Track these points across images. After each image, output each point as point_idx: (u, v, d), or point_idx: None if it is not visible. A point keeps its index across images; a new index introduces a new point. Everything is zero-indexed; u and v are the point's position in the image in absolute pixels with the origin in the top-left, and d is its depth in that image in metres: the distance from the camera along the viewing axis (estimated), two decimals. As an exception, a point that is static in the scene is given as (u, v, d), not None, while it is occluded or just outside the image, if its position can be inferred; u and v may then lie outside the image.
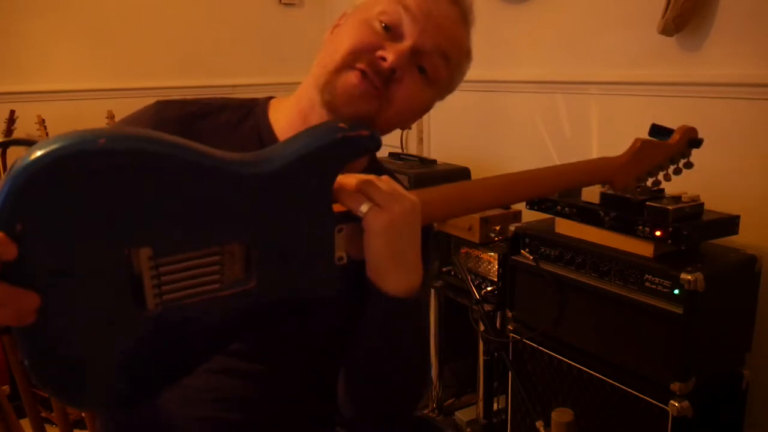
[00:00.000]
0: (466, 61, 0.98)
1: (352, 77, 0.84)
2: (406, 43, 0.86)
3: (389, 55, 0.83)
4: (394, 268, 0.79)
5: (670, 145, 1.17)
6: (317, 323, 0.91)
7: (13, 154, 2.83)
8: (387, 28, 0.86)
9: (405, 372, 0.92)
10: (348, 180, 0.77)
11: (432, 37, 0.87)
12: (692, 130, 1.18)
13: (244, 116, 0.97)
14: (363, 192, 0.76)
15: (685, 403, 1.42)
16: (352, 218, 0.76)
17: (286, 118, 0.94)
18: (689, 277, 1.38)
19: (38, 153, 0.57)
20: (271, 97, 1.01)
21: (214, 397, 0.90)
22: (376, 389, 0.91)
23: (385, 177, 0.79)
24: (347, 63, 0.85)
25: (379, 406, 0.93)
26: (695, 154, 1.21)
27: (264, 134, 0.94)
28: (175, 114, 0.94)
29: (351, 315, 0.85)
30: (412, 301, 0.81)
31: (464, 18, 0.94)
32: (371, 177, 0.78)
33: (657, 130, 1.18)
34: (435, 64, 0.89)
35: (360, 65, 0.84)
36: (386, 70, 0.84)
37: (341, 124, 0.76)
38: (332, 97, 0.85)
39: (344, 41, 0.86)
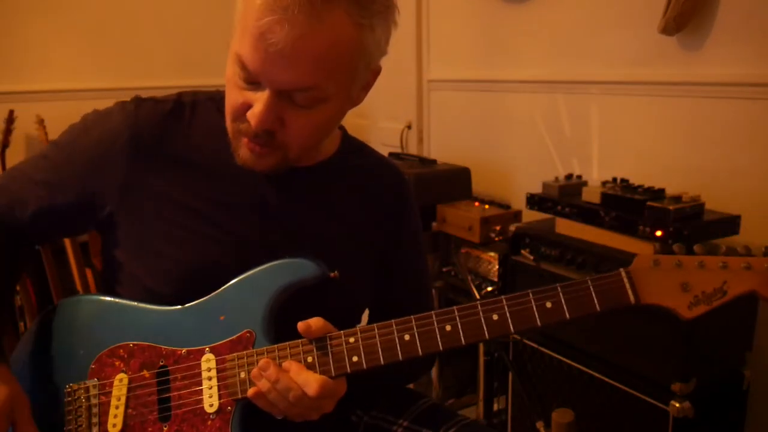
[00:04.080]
0: (370, 35, 0.82)
1: (244, 147, 0.87)
2: (264, 95, 0.81)
3: (251, 118, 0.83)
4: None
5: None
6: (325, 304, 0.93)
7: (13, 153, 2.83)
8: (247, 79, 0.82)
9: (399, 379, 1.07)
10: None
11: (284, 75, 0.79)
12: None
13: (214, 109, 0.97)
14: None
15: (686, 404, 1.42)
16: None
17: None
18: (690, 277, 1.38)
19: None
20: None
21: None
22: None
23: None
24: (234, 129, 0.88)
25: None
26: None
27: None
28: (149, 113, 0.94)
29: (354, 291, 0.96)
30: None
31: (326, 16, 0.77)
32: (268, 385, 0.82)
33: None
34: (305, 96, 0.82)
35: (243, 130, 0.86)
36: (260, 132, 0.84)
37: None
38: (241, 161, 0.89)
39: (227, 99, 0.87)
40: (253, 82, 0.82)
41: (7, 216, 0.95)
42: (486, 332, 0.82)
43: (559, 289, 0.82)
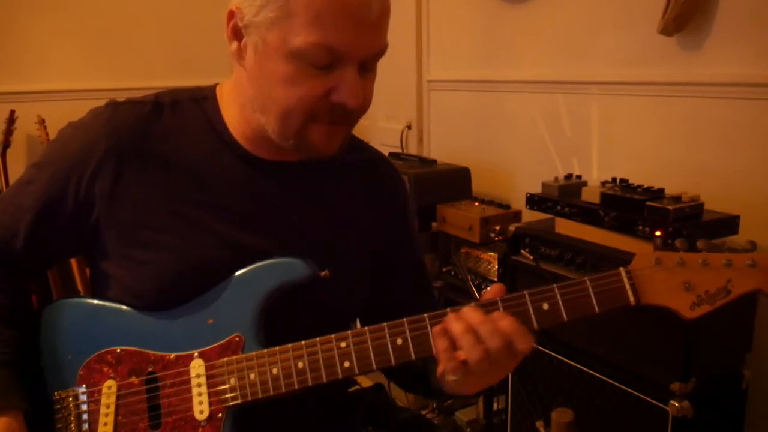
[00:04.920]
0: None
1: (316, 134, 0.85)
2: (351, 71, 0.82)
3: (349, 100, 0.82)
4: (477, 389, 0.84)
5: None
6: (319, 304, 0.93)
7: (14, 153, 2.83)
8: (328, 66, 0.81)
9: None
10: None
11: (375, 42, 0.83)
12: None
13: (197, 109, 0.95)
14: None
15: (686, 404, 1.42)
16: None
17: (237, 121, 0.93)
18: (690, 277, 1.38)
19: None
20: (216, 85, 0.98)
21: None
22: None
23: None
24: (307, 120, 0.84)
25: None
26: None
27: (218, 128, 0.94)
28: (129, 117, 0.92)
29: (352, 289, 0.96)
30: None
31: None
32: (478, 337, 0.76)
33: None
34: (378, 58, 0.86)
35: (321, 116, 0.84)
36: (352, 111, 0.84)
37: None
38: (314, 151, 0.87)
39: (288, 98, 0.83)
40: (326, 66, 0.81)
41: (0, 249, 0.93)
42: None
43: (556, 290, 0.78)
